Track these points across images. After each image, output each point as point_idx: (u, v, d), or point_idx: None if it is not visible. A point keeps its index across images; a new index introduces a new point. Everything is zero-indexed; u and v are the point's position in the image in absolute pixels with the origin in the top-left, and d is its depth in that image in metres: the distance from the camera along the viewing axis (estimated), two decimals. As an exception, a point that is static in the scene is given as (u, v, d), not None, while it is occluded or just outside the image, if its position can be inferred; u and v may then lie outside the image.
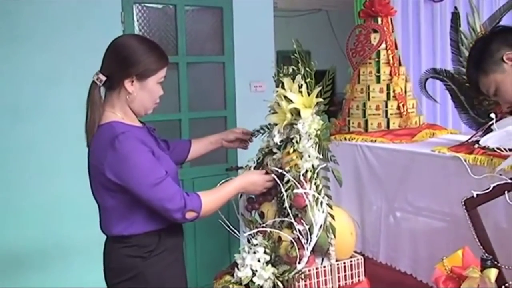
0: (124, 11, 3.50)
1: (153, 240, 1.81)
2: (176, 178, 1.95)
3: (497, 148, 1.46)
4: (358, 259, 1.89)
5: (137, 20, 3.63)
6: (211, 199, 1.82)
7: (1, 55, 3.15)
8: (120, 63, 1.80)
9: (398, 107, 2.53)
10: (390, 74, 2.56)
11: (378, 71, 2.57)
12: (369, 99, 2.54)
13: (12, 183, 3.20)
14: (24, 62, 3.19)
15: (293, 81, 1.91)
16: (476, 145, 1.85)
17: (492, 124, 1.56)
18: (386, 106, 2.52)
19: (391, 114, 2.52)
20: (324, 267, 1.82)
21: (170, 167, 1.88)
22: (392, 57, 2.57)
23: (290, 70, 1.94)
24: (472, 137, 2.07)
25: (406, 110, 2.53)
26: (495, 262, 1.52)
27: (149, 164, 1.75)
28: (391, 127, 2.50)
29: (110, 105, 1.85)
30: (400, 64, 2.63)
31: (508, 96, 1.64)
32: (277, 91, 1.95)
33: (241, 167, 2.19)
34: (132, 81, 1.80)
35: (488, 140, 1.46)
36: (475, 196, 1.54)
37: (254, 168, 2.06)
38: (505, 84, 1.63)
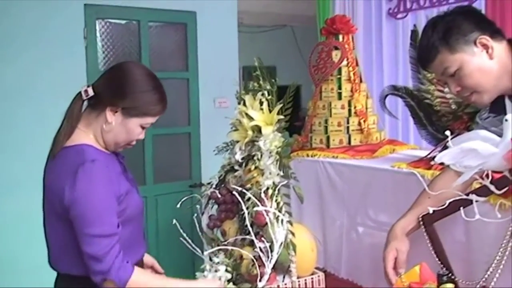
0: (87, 27, 3.47)
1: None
2: (141, 214, 1.81)
3: (452, 165, 1.49)
4: (318, 276, 1.91)
5: (100, 36, 3.60)
6: (142, 282, 1.61)
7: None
8: (113, 88, 1.67)
9: (359, 123, 2.56)
10: (351, 91, 2.59)
11: (340, 87, 2.59)
12: (331, 116, 2.57)
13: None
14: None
15: (255, 98, 1.92)
16: (433, 162, 1.88)
17: (448, 141, 1.58)
18: (348, 123, 2.55)
19: (352, 130, 2.55)
20: (285, 284, 1.82)
21: (135, 202, 1.74)
22: (353, 74, 2.60)
23: (256, 86, 1.95)
24: (430, 153, 2.11)
25: (367, 126, 2.56)
26: (452, 277, 1.54)
27: (101, 211, 1.57)
28: (352, 143, 2.53)
29: (86, 123, 1.69)
30: (361, 81, 2.67)
31: (469, 78, 1.59)
32: (238, 108, 1.96)
33: (204, 184, 2.19)
34: (116, 112, 1.66)
35: (444, 157, 1.47)
36: (431, 212, 1.57)
37: (216, 185, 2.05)
38: (470, 66, 1.58)
